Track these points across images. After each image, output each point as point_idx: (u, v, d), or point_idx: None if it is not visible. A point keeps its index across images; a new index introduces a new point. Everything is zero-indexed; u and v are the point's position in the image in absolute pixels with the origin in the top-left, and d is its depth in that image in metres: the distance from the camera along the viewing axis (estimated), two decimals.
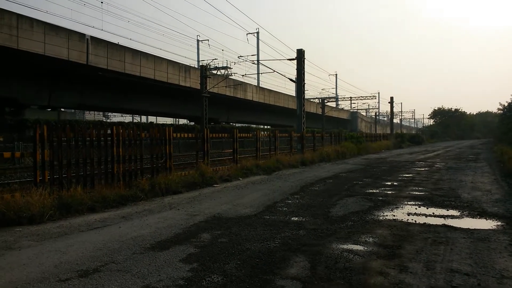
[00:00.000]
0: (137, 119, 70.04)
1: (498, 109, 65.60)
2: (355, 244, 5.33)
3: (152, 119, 67.24)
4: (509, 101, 53.42)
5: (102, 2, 44.94)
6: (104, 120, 51.30)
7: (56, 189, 8.09)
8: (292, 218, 7.00)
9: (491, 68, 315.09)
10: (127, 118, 66.56)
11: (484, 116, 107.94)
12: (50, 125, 10.41)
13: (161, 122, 56.84)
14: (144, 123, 57.13)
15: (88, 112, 60.12)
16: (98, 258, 4.81)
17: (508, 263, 4.52)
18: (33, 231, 6.25)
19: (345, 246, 5.21)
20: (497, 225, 6.39)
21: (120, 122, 38.03)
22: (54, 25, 23.13)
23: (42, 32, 22.24)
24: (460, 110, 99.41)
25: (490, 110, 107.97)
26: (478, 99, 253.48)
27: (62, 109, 30.38)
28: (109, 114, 66.16)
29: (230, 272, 4.27)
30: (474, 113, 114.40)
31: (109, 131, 9.70)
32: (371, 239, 5.56)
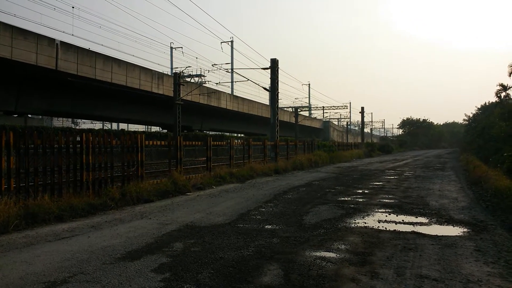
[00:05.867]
0: (107, 126, 68.57)
1: (464, 119, 68.40)
2: (328, 251, 5.39)
3: (123, 126, 66.07)
4: (474, 112, 55.96)
5: (73, 7, 43.84)
6: (73, 127, 50.01)
7: (22, 197, 7.81)
8: (266, 226, 7.00)
9: (457, 82, 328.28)
10: (97, 125, 65.01)
11: (451, 127, 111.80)
12: (16, 131, 10.06)
13: (132, 130, 55.90)
14: (115, 130, 56.04)
15: (56, 118, 58.45)
16: (66, 268, 4.66)
17: (474, 268, 4.67)
18: None
19: (318, 254, 5.25)
20: (464, 232, 6.61)
21: (90, 129, 37.15)
22: (23, 29, 22.47)
23: (10, 36, 21.55)
24: (427, 120, 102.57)
25: (456, 120, 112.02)
26: (445, 110, 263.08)
27: (29, 115, 29.37)
28: (79, 121, 64.57)
29: (203, 281, 4.22)
30: (441, 124, 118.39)
31: (78, 138, 9.47)
32: (343, 246, 5.63)
